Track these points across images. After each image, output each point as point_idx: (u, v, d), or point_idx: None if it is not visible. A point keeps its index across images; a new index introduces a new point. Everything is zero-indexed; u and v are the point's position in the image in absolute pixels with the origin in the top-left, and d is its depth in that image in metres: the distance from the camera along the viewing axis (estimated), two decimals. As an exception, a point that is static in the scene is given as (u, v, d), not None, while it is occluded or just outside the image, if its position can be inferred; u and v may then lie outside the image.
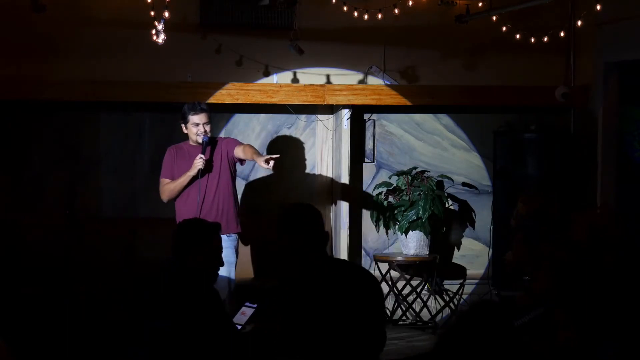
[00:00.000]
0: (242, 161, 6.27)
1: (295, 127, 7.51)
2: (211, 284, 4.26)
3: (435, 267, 7.40)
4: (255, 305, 4.55)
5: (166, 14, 5.68)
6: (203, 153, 6.05)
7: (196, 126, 6.12)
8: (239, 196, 7.39)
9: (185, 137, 6.30)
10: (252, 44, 7.25)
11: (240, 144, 6.27)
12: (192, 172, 6.04)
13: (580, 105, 7.54)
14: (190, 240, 4.23)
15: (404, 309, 7.40)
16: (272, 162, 5.81)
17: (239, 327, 4.43)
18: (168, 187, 6.17)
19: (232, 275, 6.05)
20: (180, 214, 6.12)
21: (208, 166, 6.09)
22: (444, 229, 7.61)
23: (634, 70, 7.29)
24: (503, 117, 7.61)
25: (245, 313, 4.56)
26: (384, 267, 7.40)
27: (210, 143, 6.15)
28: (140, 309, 4.12)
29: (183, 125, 6.20)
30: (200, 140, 6.11)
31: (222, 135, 7.32)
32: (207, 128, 6.14)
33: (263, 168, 5.92)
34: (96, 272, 6.71)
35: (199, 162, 6.02)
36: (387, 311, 7.34)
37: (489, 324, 2.56)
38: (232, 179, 6.22)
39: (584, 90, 7.50)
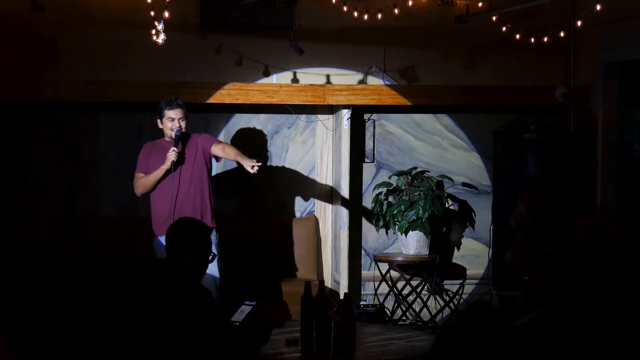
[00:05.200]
0: (217, 158, 6.31)
1: (295, 127, 7.51)
2: (199, 282, 4.24)
3: (435, 267, 7.40)
4: (254, 303, 4.54)
5: (166, 14, 5.68)
6: (176, 146, 6.07)
7: (171, 121, 6.13)
8: (238, 195, 7.41)
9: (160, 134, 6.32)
10: (252, 44, 7.25)
11: (218, 142, 6.33)
12: (166, 165, 6.05)
13: (580, 105, 7.54)
14: (188, 239, 4.21)
15: (404, 309, 7.40)
16: (256, 168, 5.87)
17: (238, 324, 4.42)
18: (142, 181, 6.17)
19: (217, 274, 6.01)
20: (155, 207, 6.15)
21: (181, 159, 6.10)
22: (444, 229, 7.60)
23: (634, 70, 7.29)
24: (503, 117, 7.61)
25: (243, 311, 4.56)
26: (384, 267, 7.40)
27: (184, 138, 6.16)
28: (137, 309, 4.11)
29: (159, 120, 6.21)
30: (174, 135, 6.13)
31: (222, 135, 7.32)
32: (183, 124, 6.15)
33: (248, 171, 5.94)
34: (96, 272, 6.71)
35: (171, 154, 6.03)
36: (387, 311, 7.34)
37: (485, 323, 2.56)
38: (208, 174, 6.22)
39: (584, 90, 7.50)
